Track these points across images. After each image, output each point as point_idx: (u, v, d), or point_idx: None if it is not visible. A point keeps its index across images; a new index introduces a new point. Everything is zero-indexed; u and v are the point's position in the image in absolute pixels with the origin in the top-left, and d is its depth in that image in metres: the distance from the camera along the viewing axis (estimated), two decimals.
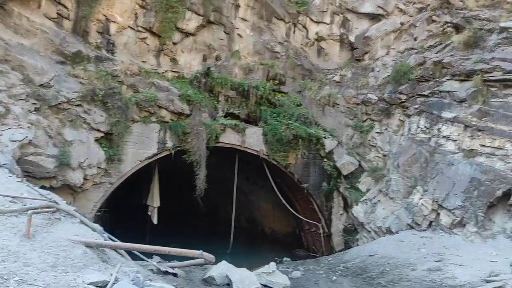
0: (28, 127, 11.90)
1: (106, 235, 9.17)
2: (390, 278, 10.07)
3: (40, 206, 8.10)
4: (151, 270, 9.59)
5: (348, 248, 15.34)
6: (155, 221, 17.85)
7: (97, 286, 5.05)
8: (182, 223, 26.08)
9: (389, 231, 14.23)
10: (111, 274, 5.77)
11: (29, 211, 6.83)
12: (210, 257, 8.17)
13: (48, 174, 12.39)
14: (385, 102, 16.98)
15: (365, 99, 17.39)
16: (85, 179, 13.69)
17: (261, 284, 9.72)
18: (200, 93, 16.27)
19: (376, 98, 17.19)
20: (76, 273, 5.60)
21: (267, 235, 23.45)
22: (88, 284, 5.03)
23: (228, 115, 16.75)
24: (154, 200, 17.82)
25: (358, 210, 15.86)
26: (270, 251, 20.76)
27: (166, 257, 12.27)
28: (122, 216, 21.83)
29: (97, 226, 9.67)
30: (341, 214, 16.99)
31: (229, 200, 28.00)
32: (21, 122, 11.84)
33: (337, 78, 18.27)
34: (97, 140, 14.23)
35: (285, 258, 16.08)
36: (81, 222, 8.58)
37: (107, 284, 5.10)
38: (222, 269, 9.64)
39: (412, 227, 13.40)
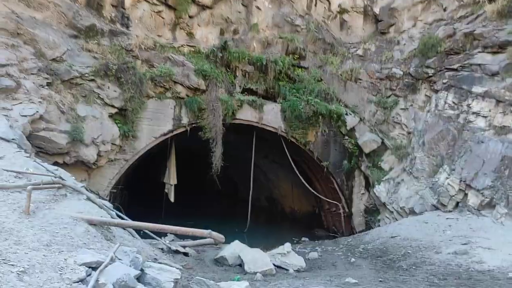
0: (40, 102, 11.64)
1: (114, 212, 8.87)
2: (412, 261, 9.51)
3: (44, 182, 7.82)
4: (161, 249, 9.31)
5: (369, 229, 14.80)
6: (172, 199, 17.65)
7: (89, 267, 4.68)
8: (200, 202, 25.98)
9: (412, 212, 13.60)
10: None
11: (29, 187, 6.51)
12: (219, 236, 7.75)
13: (60, 150, 12.17)
14: (410, 77, 16.14)
15: (389, 73, 16.54)
16: (99, 155, 13.46)
17: (275, 266, 9.32)
18: (216, 68, 15.74)
19: (401, 72, 16.34)
20: (71, 253, 5.25)
21: (287, 215, 23.08)
22: (80, 265, 4.66)
23: (245, 90, 16.20)
24: (171, 178, 17.58)
25: (380, 190, 15.23)
26: (289, 231, 20.37)
27: (181, 237, 12.06)
28: (141, 194, 21.82)
29: (105, 203, 9.39)
30: (362, 193, 16.39)
31: (249, 179, 27.81)
32: (32, 97, 11.58)
33: (360, 52, 17.43)
34: (111, 116, 13.94)
35: (303, 238, 15.67)
36: (88, 199, 8.27)
37: (101, 265, 4.73)
38: (234, 249, 9.27)
39: (437, 208, 12.74)
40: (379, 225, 14.95)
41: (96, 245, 6.24)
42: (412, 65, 16.11)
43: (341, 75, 17.02)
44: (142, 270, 5.43)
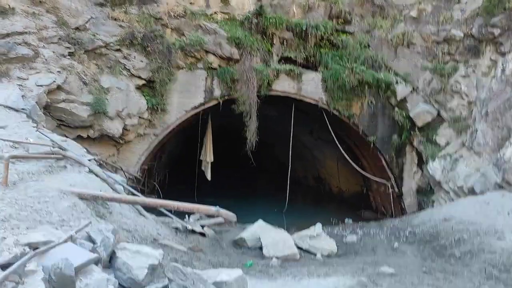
0: (58, 71, 11.06)
1: (121, 186, 8.05)
2: (468, 248, 7.97)
3: (39, 152, 7.11)
4: (176, 228, 8.41)
5: (422, 210, 13.17)
6: (208, 177, 16.88)
7: (35, 248, 3.77)
8: (242, 181, 25.14)
9: (471, 192, 11.83)
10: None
11: (6, 155, 5.75)
12: (229, 215, 6.70)
13: (82, 123, 11.61)
14: (473, 39, 14.06)
15: (447, 36, 14.51)
16: (125, 129, 12.81)
17: (302, 249, 8.16)
18: (251, 35, 14.52)
19: (462, 34, 14.28)
20: (26, 230, 4.40)
21: (334, 195, 21.68)
22: (22, 245, 3.76)
23: (283, 59, 14.87)
24: (208, 155, 16.79)
25: (435, 167, 13.47)
26: (335, 212, 19.00)
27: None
28: (182, 172, 21.27)
29: (114, 176, 8.62)
30: (414, 171, 14.67)
31: (297, 157, 26.56)
32: (51, 66, 11.02)
33: (414, 13, 15.42)
34: (138, 88, 13.23)
35: (346, 220, 14.30)
36: (91, 171, 7.50)
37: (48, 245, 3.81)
38: (255, 230, 8.20)
39: (501, 187, 10.90)
40: (433, 207, 13.26)
41: (77, 222, 5.39)
42: (475, 25, 14.02)
43: (391, 40, 15.18)
44: (114, 253, 4.48)
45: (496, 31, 13.41)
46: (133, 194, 9.04)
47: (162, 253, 4.93)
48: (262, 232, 7.96)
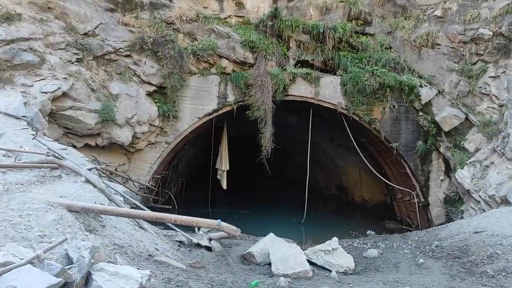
0: (65, 78, 10.73)
1: (121, 198, 7.55)
2: (502, 265, 7.12)
3: (33, 162, 6.68)
4: (180, 242, 7.83)
5: (450, 222, 12.25)
6: (224, 185, 16.32)
7: None
8: (262, 189, 24.48)
9: (505, 201, 10.91)
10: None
11: None
12: (231, 229, 6.10)
13: (90, 131, 11.23)
14: (502, 38, 13.19)
15: (475, 35, 13.64)
16: (135, 137, 12.40)
17: (317, 265, 7.46)
18: (266, 38, 13.96)
19: (491, 33, 13.40)
20: None
21: (357, 204, 20.77)
22: None
23: (300, 63, 14.24)
24: (223, 163, 16.24)
25: (464, 175, 12.55)
26: (358, 222, 18.17)
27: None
28: (199, 181, 20.77)
29: (116, 186, 8.14)
30: (441, 180, 13.75)
31: (317, 165, 25.75)
32: (57, 73, 10.70)
33: (438, 12, 14.60)
34: (149, 94, 12.82)
35: (368, 232, 13.47)
36: (87, 181, 7.01)
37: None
38: (265, 244, 7.54)
39: None
40: (462, 217, 12.34)
41: (61, 237, 4.87)
42: (505, 23, 13.15)
43: (414, 41, 14.41)
44: (90, 274, 3.93)
45: None
46: (136, 206, 8.55)
47: (149, 274, 4.35)
48: (272, 246, 7.30)
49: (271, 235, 7.96)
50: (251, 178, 24.66)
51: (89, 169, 7.95)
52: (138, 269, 4.54)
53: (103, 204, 6.59)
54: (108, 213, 5.65)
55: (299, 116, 18.02)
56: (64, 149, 8.21)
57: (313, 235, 13.54)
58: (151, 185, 13.90)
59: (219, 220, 6.09)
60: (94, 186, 7.03)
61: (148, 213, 6.21)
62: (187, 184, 21.40)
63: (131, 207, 8.37)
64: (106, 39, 12.22)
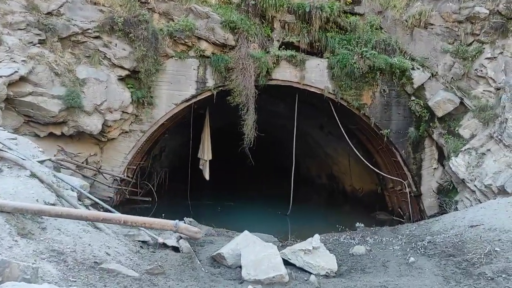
0: (24, 61, 9.78)
1: (74, 193, 6.69)
2: (502, 266, 6.36)
3: None
4: (143, 242, 7.00)
5: (443, 214, 11.52)
6: (207, 176, 15.46)
7: None
8: (249, 180, 23.70)
9: (502, 192, 10.17)
10: None
11: None
12: (191, 231, 5.27)
13: (53, 119, 10.31)
14: (500, 16, 12.34)
15: (471, 14, 12.78)
16: (106, 125, 11.50)
17: (296, 266, 6.67)
18: (248, 18, 13.02)
19: (487, 11, 12.54)
20: None
21: (348, 194, 20.03)
22: None
23: (284, 45, 13.32)
24: (206, 153, 15.38)
25: (458, 163, 11.79)
26: (348, 213, 17.46)
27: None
28: (184, 171, 19.95)
29: (71, 180, 7.26)
30: (434, 168, 13.00)
31: (308, 154, 24.99)
32: (15, 55, 9.75)
33: None
34: (121, 79, 11.92)
35: (357, 224, 12.71)
36: (33, 175, 6.14)
37: None
38: (237, 244, 6.71)
39: None
40: (456, 208, 11.61)
41: None
42: (502, 0, 12.27)
43: (406, 20, 13.52)
44: None
45: None
46: (95, 203, 7.69)
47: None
48: (246, 246, 6.49)
49: (246, 233, 7.14)
50: (239, 168, 23.89)
51: (42, 161, 7.07)
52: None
53: (49, 203, 5.75)
54: (45, 213, 4.81)
55: (286, 102, 17.17)
56: (13, 139, 7.30)
57: (299, 228, 12.78)
58: (127, 177, 13.05)
59: (176, 221, 5.27)
60: (41, 181, 6.16)
61: (92, 213, 5.38)
62: (171, 174, 20.55)
63: (90, 205, 7.53)
64: (72, 19, 11.24)
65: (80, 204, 7.01)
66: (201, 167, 15.61)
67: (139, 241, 6.86)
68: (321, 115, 16.30)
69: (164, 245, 6.98)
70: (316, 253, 6.81)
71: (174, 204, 16.58)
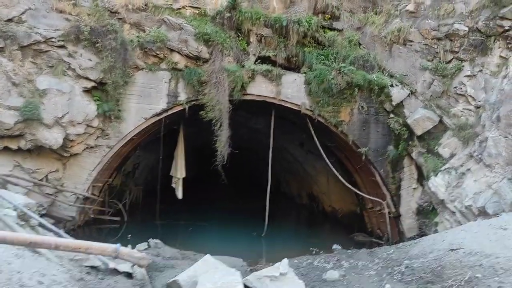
0: None
1: (12, 212, 6.01)
2: None
3: None
4: (92, 267, 6.30)
5: (423, 235, 11.03)
6: (179, 195, 14.78)
7: None
8: (227, 199, 23.06)
9: (483, 213, 9.75)
10: None
11: None
12: (134, 256, 4.67)
13: (8, 132, 9.64)
14: (479, 34, 12.10)
15: (450, 31, 12.55)
16: (69, 140, 10.82)
17: None
18: (223, 31, 12.59)
19: (466, 28, 12.32)
20: None
21: (327, 214, 19.49)
22: None
23: (261, 59, 12.89)
24: (178, 170, 14.76)
25: (438, 183, 11.39)
26: (326, 234, 16.91)
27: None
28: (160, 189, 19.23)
29: (13, 197, 6.58)
30: (414, 188, 12.56)
31: (289, 172, 24.48)
32: None
33: (411, 7, 13.48)
34: (87, 91, 11.28)
35: (334, 246, 12.16)
36: None
37: None
38: (196, 270, 6.07)
39: None
40: (436, 230, 11.15)
41: None
42: (481, 17, 12.07)
43: (385, 37, 13.26)
44: None
45: (506, 24, 11.54)
46: (42, 226, 7.00)
47: None
48: (205, 273, 5.86)
49: (207, 257, 6.51)
50: (217, 186, 23.27)
51: None
52: None
53: None
54: None
55: (267, 119, 16.69)
56: None
57: (274, 250, 12.18)
58: (92, 194, 12.31)
59: (117, 245, 4.65)
60: None
61: (16, 235, 4.73)
62: (146, 193, 19.81)
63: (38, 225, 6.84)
64: (35, 27, 10.66)
65: (23, 225, 6.32)
66: (173, 185, 14.95)
67: (86, 266, 6.16)
68: (301, 133, 15.86)
69: (116, 271, 6.29)
70: (283, 280, 6.21)
71: (147, 224, 15.83)
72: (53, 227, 7.30)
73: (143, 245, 9.15)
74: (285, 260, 6.66)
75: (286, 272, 6.37)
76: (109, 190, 14.23)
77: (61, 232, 7.06)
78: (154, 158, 19.88)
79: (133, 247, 9.26)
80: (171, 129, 14.95)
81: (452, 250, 8.00)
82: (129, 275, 6.35)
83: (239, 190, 26.96)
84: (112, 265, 6.37)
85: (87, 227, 13.20)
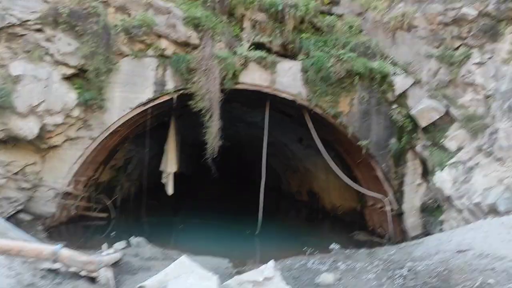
0: None
1: None
2: None
3: None
4: (50, 270, 5.53)
5: (427, 235, 10.21)
6: (169, 191, 14.03)
7: None
8: (224, 195, 22.33)
9: (493, 211, 8.93)
10: None
11: None
12: (78, 261, 3.89)
13: None
14: (489, 18, 11.25)
15: (457, 16, 11.69)
16: (46, 130, 10.06)
17: None
18: (215, 15, 11.80)
19: (476, 12, 11.47)
20: None
21: (327, 212, 18.69)
22: None
23: (255, 46, 12.08)
24: (169, 164, 14.03)
25: (444, 178, 10.55)
26: (326, 232, 16.15)
27: None
28: (153, 185, 18.47)
29: None
30: (418, 184, 11.73)
31: (289, 169, 23.69)
32: None
33: None
34: (67, 78, 10.52)
35: (332, 245, 11.37)
36: None
37: None
38: (166, 274, 5.30)
39: None
40: (441, 229, 10.33)
41: None
42: (492, 0, 11.23)
43: (388, 22, 12.41)
44: None
45: None
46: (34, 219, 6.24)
47: None
48: (177, 277, 5.09)
49: (182, 259, 5.72)
50: (214, 183, 22.55)
51: None
52: None
53: None
54: None
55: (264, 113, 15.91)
56: None
57: (267, 249, 11.41)
58: (76, 190, 11.58)
59: (58, 246, 3.89)
60: None
61: None
62: (141, 189, 19.10)
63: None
64: (9, 8, 9.89)
65: None
66: (163, 180, 14.19)
67: (42, 269, 5.40)
68: (299, 127, 15.05)
69: (77, 275, 5.53)
70: (267, 285, 5.44)
71: (137, 221, 15.14)
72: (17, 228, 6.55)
73: (121, 244, 8.41)
74: (271, 263, 5.88)
75: (272, 276, 5.58)
76: (96, 185, 13.49)
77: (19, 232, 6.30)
78: (150, 153, 19.18)
79: (109, 246, 8.54)
80: (163, 121, 14.21)
81: (460, 251, 7.21)
82: (92, 280, 5.59)
83: (239, 187, 26.24)
84: (72, 269, 5.61)
85: (73, 224, 12.50)
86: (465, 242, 7.48)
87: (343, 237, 13.34)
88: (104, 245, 8.11)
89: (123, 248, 8.20)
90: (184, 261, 5.70)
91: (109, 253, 7.24)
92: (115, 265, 6.43)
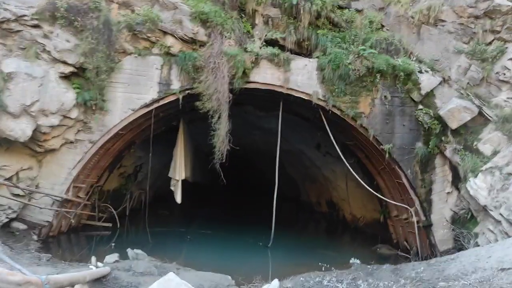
0: None
1: None
2: None
3: None
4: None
5: (460, 250, 9.08)
6: (178, 199, 13.19)
7: None
8: (239, 205, 21.39)
9: None
10: None
11: None
12: (9, 281, 3.01)
13: None
14: None
15: (490, 7, 10.70)
16: (41, 132, 9.36)
17: None
18: (224, 11, 11.03)
19: (510, 3, 10.43)
20: None
21: (348, 223, 17.55)
22: None
23: (268, 43, 11.23)
24: (177, 171, 13.21)
25: (478, 186, 9.42)
26: (346, 245, 15.04)
27: None
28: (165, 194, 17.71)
29: None
30: (447, 192, 10.62)
31: (308, 178, 22.62)
32: None
33: None
34: (65, 77, 9.84)
35: (352, 260, 10.32)
36: None
37: None
38: None
39: None
40: (477, 243, 9.17)
41: None
42: None
43: (412, 17, 11.48)
44: None
45: None
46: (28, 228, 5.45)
47: None
48: None
49: (169, 276, 4.82)
50: (230, 193, 21.71)
51: None
52: None
53: None
54: None
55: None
56: None
57: (281, 264, 10.42)
58: (77, 197, 10.86)
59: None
60: None
61: None
62: (152, 197, 18.38)
63: None
64: (4, 3, 9.31)
65: None
66: (172, 187, 13.38)
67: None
68: (317, 131, 14.06)
69: None
70: None
71: (145, 232, 14.33)
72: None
73: (113, 257, 7.56)
74: (276, 282, 4.92)
75: None
76: (100, 193, 12.76)
77: None
78: (163, 161, 18.44)
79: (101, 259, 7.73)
80: (173, 126, 13.44)
81: (502, 269, 6.14)
82: None
83: (256, 198, 25.32)
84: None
85: (74, 233, 11.78)
86: (508, 259, 6.39)
87: (364, 251, 12.31)
88: (93, 258, 7.29)
89: (114, 262, 7.35)
90: (172, 278, 4.81)
91: (98, 267, 6.42)
92: (99, 281, 5.57)
